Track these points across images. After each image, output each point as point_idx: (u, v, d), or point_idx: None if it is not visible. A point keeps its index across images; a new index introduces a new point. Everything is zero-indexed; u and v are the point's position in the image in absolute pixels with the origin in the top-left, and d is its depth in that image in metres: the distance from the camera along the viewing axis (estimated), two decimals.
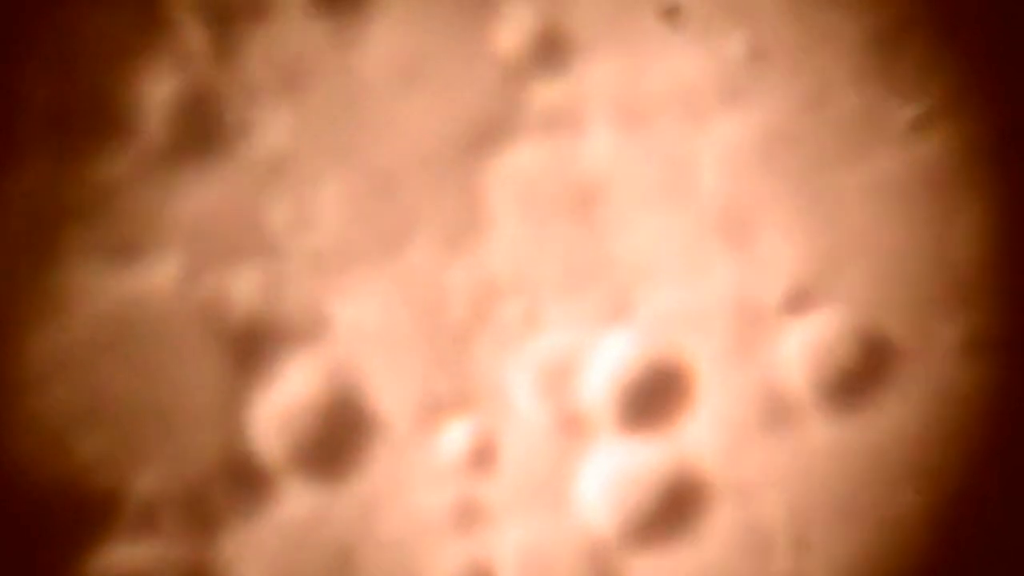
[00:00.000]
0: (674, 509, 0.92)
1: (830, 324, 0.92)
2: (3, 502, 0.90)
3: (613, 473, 0.91)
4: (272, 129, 0.91)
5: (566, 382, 0.91)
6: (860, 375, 0.92)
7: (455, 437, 0.91)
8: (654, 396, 0.92)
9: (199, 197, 0.90)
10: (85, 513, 0.90)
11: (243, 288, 0.90)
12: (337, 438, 0.91)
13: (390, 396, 0.91)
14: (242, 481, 0.90)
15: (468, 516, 0.91)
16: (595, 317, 0.91)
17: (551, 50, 0.91)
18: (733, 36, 0.91)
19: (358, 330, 0.91)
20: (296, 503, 0.91)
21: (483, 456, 0.91)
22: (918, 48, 0.92)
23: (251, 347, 0.90)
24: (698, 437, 0.92)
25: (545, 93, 0.91)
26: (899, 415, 0.92)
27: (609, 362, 0.91)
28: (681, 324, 0.92)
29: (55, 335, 0.90)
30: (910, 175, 0.92)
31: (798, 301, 0.92)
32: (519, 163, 0.91)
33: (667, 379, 0.92)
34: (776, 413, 0.92)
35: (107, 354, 0.90)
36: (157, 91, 0.90)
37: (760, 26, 0.91)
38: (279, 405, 0.90)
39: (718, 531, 0.92)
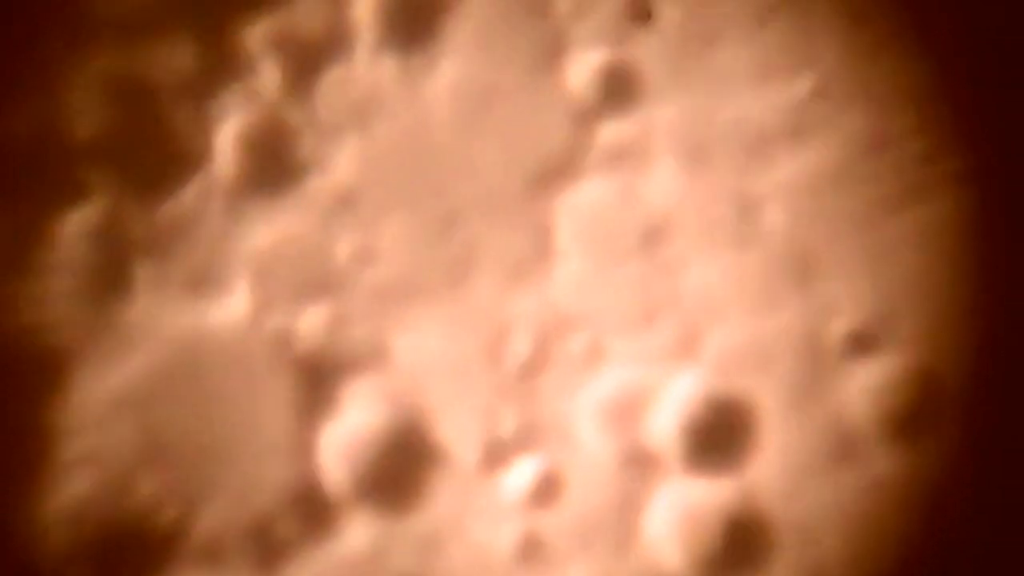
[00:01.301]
0: (739, 546, 0.91)
1: (891, 364, 0.93)
2: (68, 538, 0.89)
3: (680, 510, 0.91)
4: (341, 164, 0.91)
5: (632, 419, 0.92)
6: (920, 414, 0.93)
7: (520, 472, 0.91)
8: (720, 434, 0.92)
9: (268, 231, 0.91)
10: (150, 546, 0.89)
11: (310, 321, 0.91)
12: (401, 471, 0.90)
13: (455, 430, 0.91)
14: (307, 513, 0.90)
15: (533, 552, 0.91)
16: (660, 354, 0.92)
17: (619, 88, 0.92)
18: (795, 77, 0.93)
19: (423, 363, 0.91)
20: (360, 535, 0.90)
21: (548, 491, 0.91)
22: (978, 94, 0.93)
23: (317, 379, 0.90)
24: (763, 474, 0.92)
25: (612, 130, 0.92)
26: (958, 453, 0.92)
27: (675, 400, 0.92)
28: (746, 362, 0.92)
29: (123, 371, 0.90)
30: (967, 219, 0.93)
31: (861, 341, 0.93)
32: (586, 199, 0.92)
33: (733, 417, 0.92)
34: (838, 451, 0.92)
35: (175, 389, 0.90)
36: (229, 126, 0.91)
37: (822, 68, 0.93)
38: (344, 437, 0.90)
39: (782, 567, 0.91)
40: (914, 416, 0.93)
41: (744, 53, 0.93)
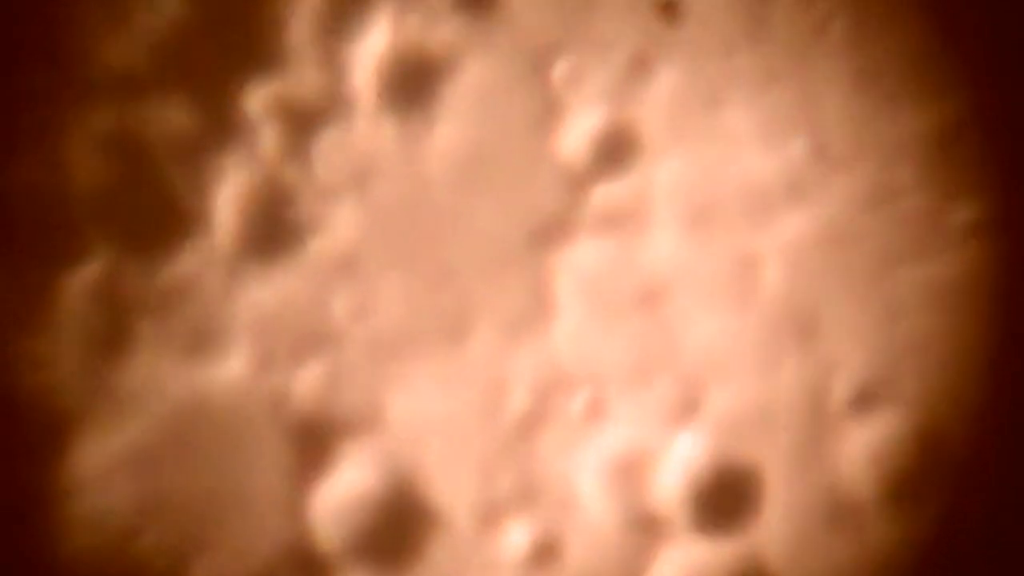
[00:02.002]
0: None
1: (894, 425, 0.91)
2: None
3: (683, 572, 0.90)
4: (339, 225, 0.92)
5: (633, 479, 0.91)
6: (922, 477, 0.91)
7: (518, 533, 0.90)
8: (723, 495, 0.91)
9: (267, 292, 0.91)
10: None
11: (307, 381, 0.91)
12: (397, 531, 0.90)
13: (451, 489, 0.90)
14: (302, 573, 0.89)
15: None
16: (661, 414, 0.91)
17: (617, 148, 0.92)
18: (796, 136, 0.93)
19: (419, 422, 0.91)
20: None
21: (546, 554, 0.90)
22: (976, 151, 0.93)
23: (314, 439, 0.90)
24: (766, 536, 0.90)
25: (612, 189, 0.92)
26: (959, 514, 0.91)
27: (677, 460, 0.91)
28: (749, 423, 0.91)
29: (123, 431, 0.90)
30: (970, 276, 0.92)
31: (863, 401, 0.91)
32: (583, 257, 0.92)
33: (736, 478, 0.91)
34: (841, 513, 0.91)
35: (172, 448, 0.90)
36: (227, 188, 0.91)
37: (822, 127, 0.93)
38: (340, 497, 0.90)
39: None
40: (916, 478, 0.91)
41: (744, 113, 0.93)
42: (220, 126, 0.92)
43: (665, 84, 0.93)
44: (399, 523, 0.90)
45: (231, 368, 0.91)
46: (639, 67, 0.93)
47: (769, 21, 0.93)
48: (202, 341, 0.91)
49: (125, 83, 0.92)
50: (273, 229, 0.92)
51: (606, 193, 0.92)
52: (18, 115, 0.91)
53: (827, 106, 0.93)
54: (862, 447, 0.91)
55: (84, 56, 0.91)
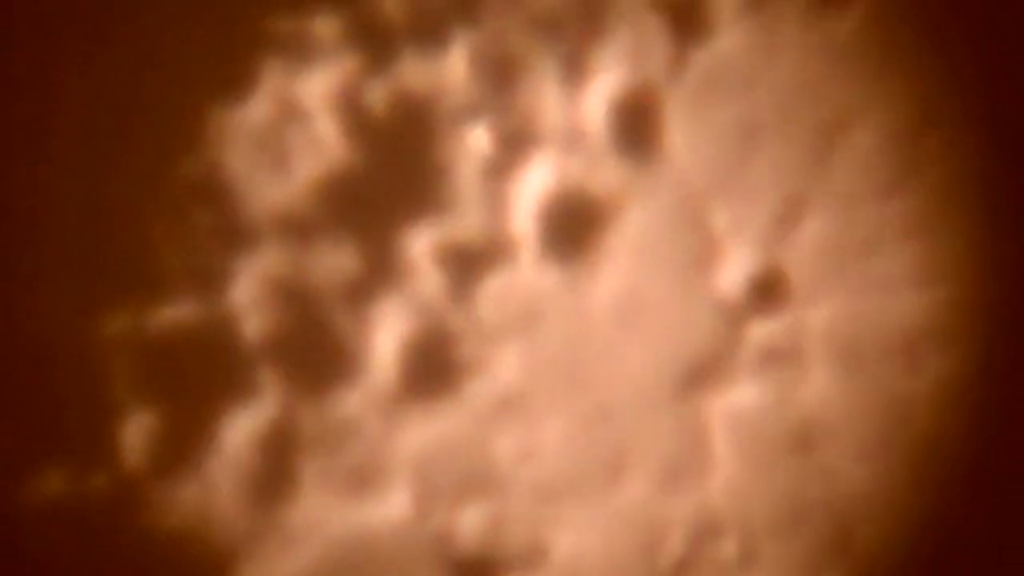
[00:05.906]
0: None
1: None
2: None
3: None
4: (501, 367, 0.93)
5: None
6: None
7: None
8: None
9: (428, 433, 0.92)
10: None
11: (469, 523, 0.92)
12: None
13: None
14: None
15: None
16: (814, 560, 0.93)
17: (771, 290, 0.94)
18: (947, 281, 0.94)
19: (580, 564, 0.92)
20: None
21: None
22: None
23: None
24: None
25: (765, 332, 0.94)
26: None
27: None
28: (896, 568, 0.93)
29: (282, 568, 0.91)
30: None
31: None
32: (738, 401, 0.93)
33: None
34: None
35: None
36: (391, 330, 0.92)
37: (969, 274, 0.94)
38: None
39: None
40: None
41: (895, 259, 0.94)
42: (383, 269, 0.92)
43: (818, 228, 0.94)
44: None
45: (393, 508, 0.92)
46: (793, 210, 0.94)
47: (921, 165, 0.94)
48: (364, 481, 0.92)
49: (288, 227, 0.92)
50: (435, 371, 0.93)
51: (762, 332, 0.94)
52: (182, 259, 0.91)
53: (973, 257, 0.94)
54: None
55: (247, 200, 0.92)
